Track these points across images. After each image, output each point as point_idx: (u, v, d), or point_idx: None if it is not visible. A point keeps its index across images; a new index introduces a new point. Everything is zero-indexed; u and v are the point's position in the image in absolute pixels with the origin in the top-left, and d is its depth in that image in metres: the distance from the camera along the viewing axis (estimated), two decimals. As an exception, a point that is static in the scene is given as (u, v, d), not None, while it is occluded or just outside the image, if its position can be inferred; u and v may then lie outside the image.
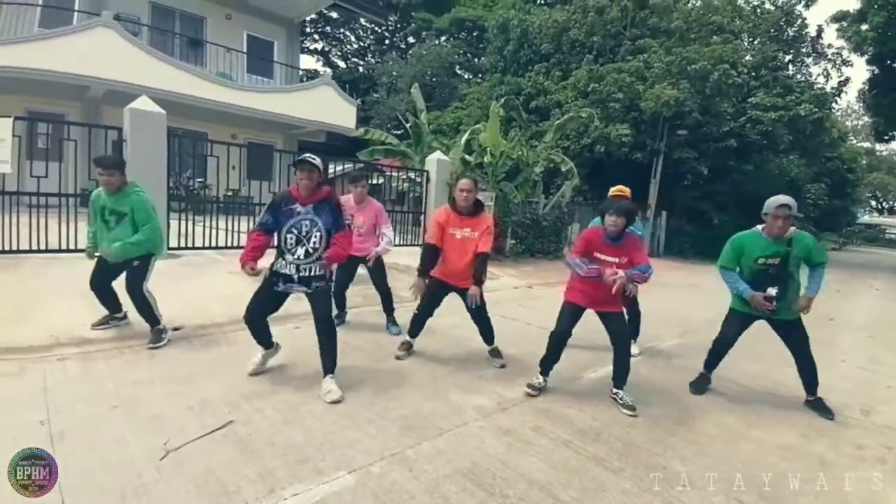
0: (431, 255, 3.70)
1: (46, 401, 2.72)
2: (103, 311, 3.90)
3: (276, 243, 3.20)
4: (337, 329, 3.30)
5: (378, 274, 4.60)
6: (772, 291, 3.30)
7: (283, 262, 3.10)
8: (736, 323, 3.58)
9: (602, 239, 3.23)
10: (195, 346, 3.78)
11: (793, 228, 3.32)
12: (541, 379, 3.43)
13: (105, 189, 3.59)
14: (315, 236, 3.06)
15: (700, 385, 3.72)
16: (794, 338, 3.45)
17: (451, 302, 3.89)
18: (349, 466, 2.30)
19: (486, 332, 3.98)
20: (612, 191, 4.31)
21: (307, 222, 3.06)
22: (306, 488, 2.11)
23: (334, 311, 4.45)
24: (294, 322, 4.33)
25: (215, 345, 3.82)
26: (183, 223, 6.28)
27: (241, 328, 3.51)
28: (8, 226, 5.14)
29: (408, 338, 4.04)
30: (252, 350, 3.40)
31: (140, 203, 3.62)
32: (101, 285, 3.78)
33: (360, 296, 5.27)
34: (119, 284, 3.79)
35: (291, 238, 3.05)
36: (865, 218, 45.52)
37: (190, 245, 6.26)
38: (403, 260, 6.79)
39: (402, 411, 2.94)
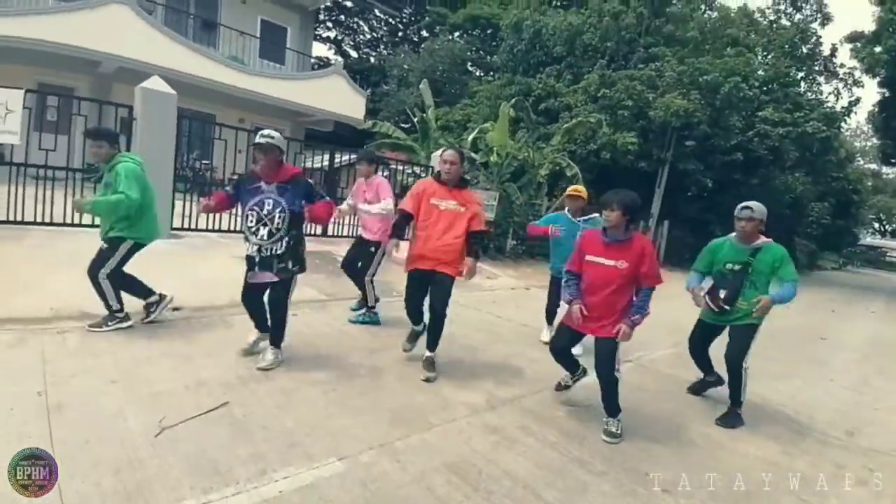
0: (403, 222, 3.58)
1: (45, 372, 2.76)
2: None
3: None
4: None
5: (364, 255, 4.44)
6: (721, 293, 3.36)
7: (248, 245, 3.14)
8: (697, 329, 3.69)
9: (598, 239, 2.89)
10: (194, 327, 3.83)
11: (765, 239, 3.30)
12: (566, 375, 3.42)
13: (94, 160, 3.59)
14: (278, 216, 3.05)
15: (697, 387, 3.84)
16: (735, 338, 3.33)
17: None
18: (339, 453, 2.36)
19: (435, 332, 3.54)
20: (569, 191, 4.24)
21: (270, 201, 3.06)
22: (296, 472, 2.17)
23: (362, 308, 4.53)
24: (291, 309, 4.35)
25: (214, 327, 3.87)
26: (187, 204, 6.31)
27: (240, 312, 3.55)
28: (14, 197, 5.18)
29: (413, 327, 3.80)
30: (249, 333, 3.46)
31: (123, 170, 3.39)
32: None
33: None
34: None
35: (252, 217, 3.07)
36: (868, 239, 45.65)
37: (193, 227, 6.30)
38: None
39: (393, 403, 3.00)
